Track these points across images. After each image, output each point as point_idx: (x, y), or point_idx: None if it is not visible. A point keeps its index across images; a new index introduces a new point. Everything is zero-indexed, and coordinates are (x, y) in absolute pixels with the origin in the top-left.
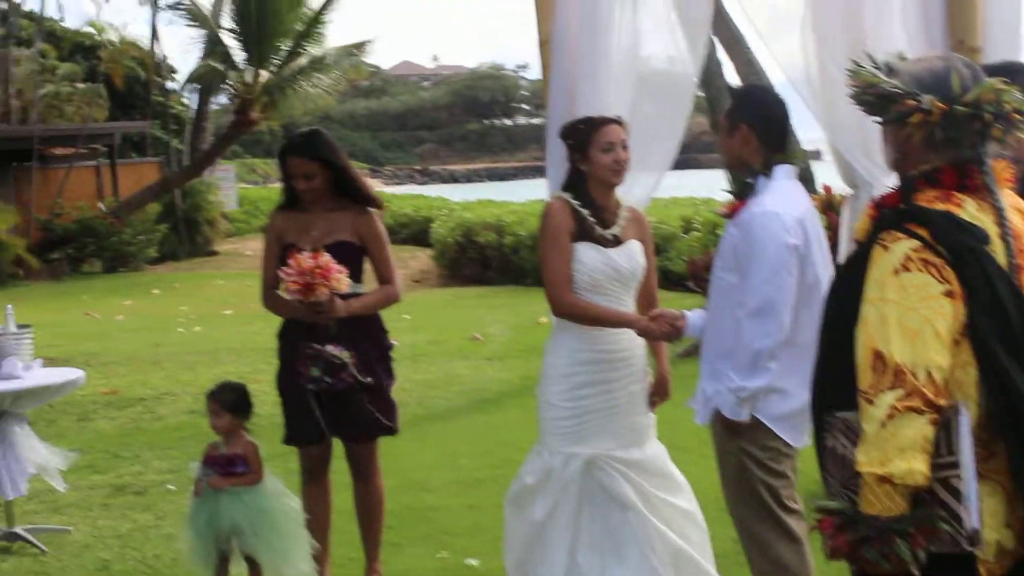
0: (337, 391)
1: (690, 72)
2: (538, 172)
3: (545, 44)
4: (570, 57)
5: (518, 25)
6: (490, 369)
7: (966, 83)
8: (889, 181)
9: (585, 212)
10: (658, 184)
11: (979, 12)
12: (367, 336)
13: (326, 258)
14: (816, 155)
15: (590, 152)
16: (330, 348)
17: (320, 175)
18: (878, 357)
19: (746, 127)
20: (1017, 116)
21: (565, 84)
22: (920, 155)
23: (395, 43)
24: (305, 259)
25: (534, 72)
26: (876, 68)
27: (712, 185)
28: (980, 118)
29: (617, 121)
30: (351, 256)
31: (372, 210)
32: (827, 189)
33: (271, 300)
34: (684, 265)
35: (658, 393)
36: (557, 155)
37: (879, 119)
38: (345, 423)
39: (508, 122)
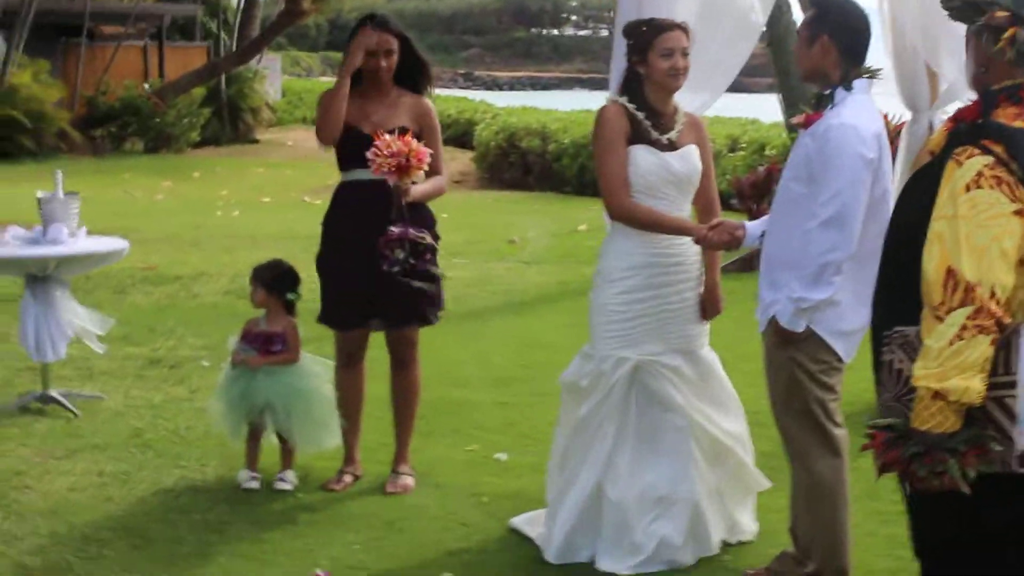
0: (419, 273)
1: (757, 6)
2: (582, 84)
3: None
4: None
5: None
6: (527, 272)
7: None
8: (950, 108)
9: (641, 115)
10: (710, 105)
11: None
12: (423, 225)
13: (415, 142)
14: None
15: (649, 56)
16: (412, 231)
17: (396, 54)
18: (949, 274)
19: (827, 37)
20: None
21: None
22: (1005, 71)
23: None
24: (395, 140)
25: None
26: None
27: (758, 109)
28: None
29: (681, 27)
30: None
31: (428, 99)
32: (883, 116)
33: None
34: (729, 184)
35: (708, 304)
36: (622, 63)
37: (967, 27)
38: (395, 308)
39: (555, 32)
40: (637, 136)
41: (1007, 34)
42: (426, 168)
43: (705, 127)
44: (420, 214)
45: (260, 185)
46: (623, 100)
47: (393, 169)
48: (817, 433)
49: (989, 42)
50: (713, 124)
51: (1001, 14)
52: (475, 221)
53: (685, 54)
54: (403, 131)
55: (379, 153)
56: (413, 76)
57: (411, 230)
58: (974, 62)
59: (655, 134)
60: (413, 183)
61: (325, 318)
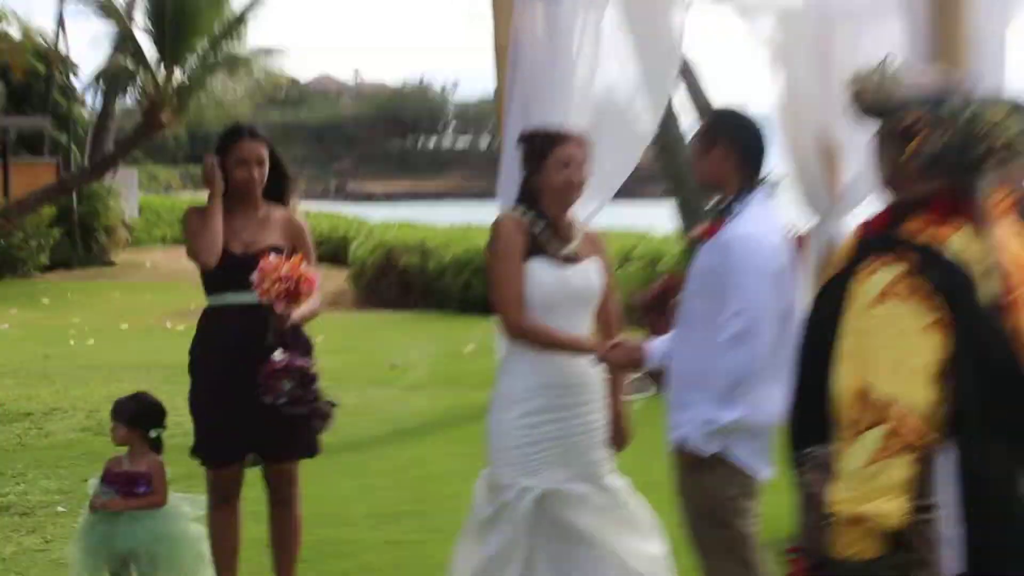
0: (307, 403)
1: (649, 112)
2: (463, 196)
3: (502, 51)
4: (529, 68)
5: (447, 41)
6: (411, 398)
7: (971, 102)
8: (850, 216)
9: (538, 228)
10: (598, 212)
11: (963, 31)
12: (301, 350)
13: (304, 265)
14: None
15: (544, 167)
16: (299, 360)
17: (266, 167)
18: (861, 392)
19: (723, 146)
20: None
21: (522, 95)
22: (917, 175)
23: (314, 55)
24: (280, 263)
25: (464, 91)
26: (878, 75)
27: (650, 217)
28: (987, 141)
29: (578, 138)
30: None
31: (300, 216)
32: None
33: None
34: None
35: (616, 432)
36: (512, 173)
37: (877, 128)
38: (274, 439)
39: (434, 142)
40: (535, 250)
41: (915, 141)
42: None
43: (604, 241)
44: (297, 339)
45: (117, 311)
46: (518, 212)
47: (282, 295)
48: (736, 561)
49: (897, 148)
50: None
51: (911, 117)
52: (353, 344)
53: (582, 166)
54: (263, 253)
55: (266, 277)
56: (279, 188)
57: (296, 358)
58: (886, 165)
59: (554, 247)
60: None
61: (197, 453)
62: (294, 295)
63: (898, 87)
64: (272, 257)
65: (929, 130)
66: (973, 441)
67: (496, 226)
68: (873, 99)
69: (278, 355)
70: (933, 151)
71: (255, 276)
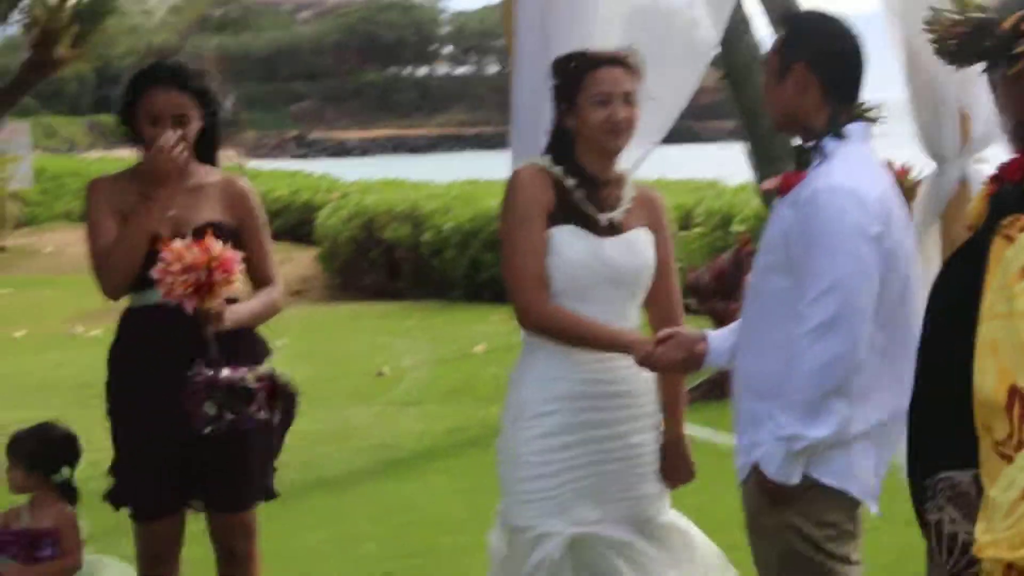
0: (240, 432)
1: (710, 17)
2: (466, 143)
3: None
4: None
5: None
6: (402, 418)
7: None
8: (990, 155)
9: (571, 183)
10: (643, 159)
11: None
12: (249, 359)
13: (218, 245)
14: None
15: (579, 103)
16: (227, 372)
17: (196, 124)
18: (1014, 394)
19: (805, 67)
20: None
21: (536, 9)
22: None
23: None
24: (188, 249)
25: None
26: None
27: (718, 163)
28: None
29: (622, 60)
30: (227, 241)
31: (245, 180)
32: (895, 168)
33: (116, 271)
34: (681, 278)
35: (670, 462)
36: (526, 112)
37: (983, 68)
38: (222, 482)
39: (424, 71)
40: (563, 213)
41: None
42: (237, 282)
43: (664, 205)
44: (244, 344)
45: (8, 313)
46: (546, 162)
47: (190, 290)
48: None
49: (1013, 75)
50: (657, 190)
51: (1012, 20)
52: (326, 348)
53: (629, 100)
54: (200, 232)
55: (168, 269)
56: (210, 144)
57: (225, 371)
58: (1009, 105)
59: (590, 211)
60: (233, 300)
61: (120, 501)
62: (206, 287)
63: (985, 4)
64: (176, 242)
65: None
66: None
67: (512, 180)
68: (961, 31)
69: (202, 371)
70: None
71: (155, 270)
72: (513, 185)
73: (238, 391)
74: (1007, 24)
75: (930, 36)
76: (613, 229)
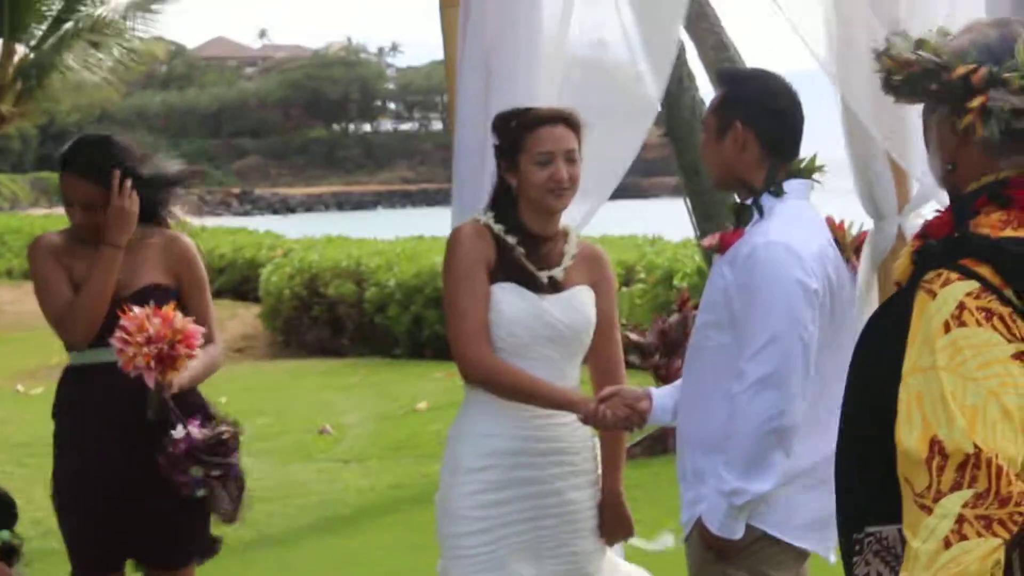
0: (237, 478)
1: (653, 74)
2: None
3: (451, 8)
4: (488, 16)
5: None
6: (346, 474)
7: None
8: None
9: (512, 240)
10: (591, 216)
11: None
12: (196, 412)
13: (179, 317)
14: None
15: (520, 162)
16: (196, 431)
17: (105, 206)
18: (935, 447)
19: (742, 126)
20: None
21: (478, 55)
22: (980, 163)
23: (207, 14)
24: (147, 317)
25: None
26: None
27: (663, 220)
28: None
29: (564, 119)
30: (166, 304)
31: (185, 237)
32: (834, 223)
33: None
34: (623, 332)
35: (609, 519)
36: (467, 169)
37: (923, 113)
38: (160, 537)
39: (367, 128)
40: (504, 270)
41: (975, 101)
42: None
43: (608, 261)
44: (186, 402)
45: None
46: (488, 219)
47: (151, 363)
48: None
49: (950, 121)
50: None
51: (962, 71)
52: (269, 405)
53: (571, 159)
54: (141, 295)
55: (129, 339)
56: (152, 205)
57: (196, 433)
58: (938, 157)
59: (531, 269)
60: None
61: (73, 568)
62: (169, 359)
63: (941, 47)
64: (136, 310)
65: (990, 90)
66: None
67: (454, 235)
68: (912, 69)
69: (176, 434)
70: (1000, 118)
71: (115, 339)
72: (455, 240)
73: (215, 445)
74: (956, 73)
75: (877, 64)
76: (554, 286)
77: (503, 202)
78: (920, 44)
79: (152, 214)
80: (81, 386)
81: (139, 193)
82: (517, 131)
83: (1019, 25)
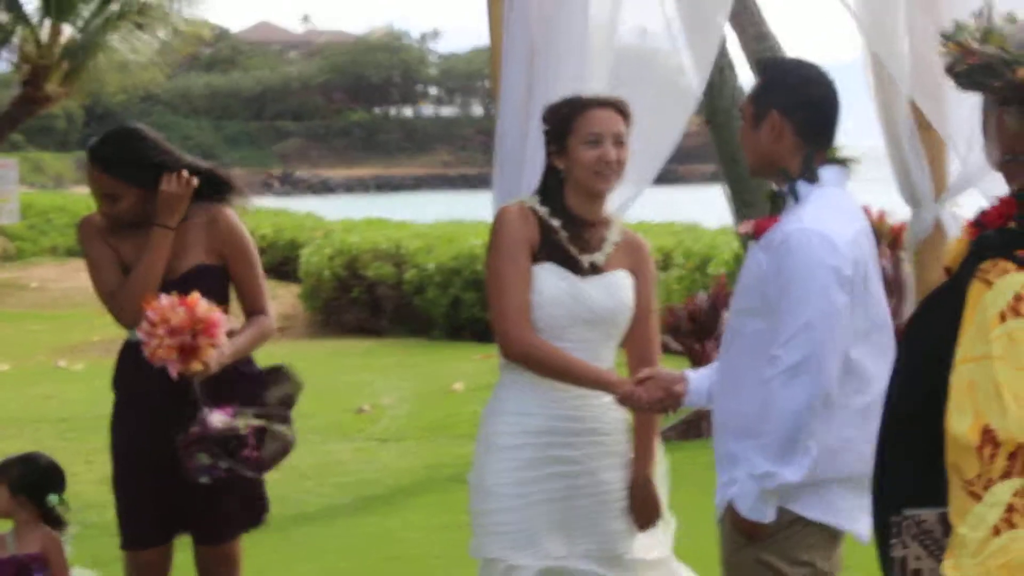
0: (251, 475)
1: (695, 64)
2: (450, 184)
3: None
4: (533, 6)
5: None
6: (382, 454)
7: None
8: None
9: (556, 223)
10: (631, 202)
11: None
12: (248, 390)
13: (203, 304)
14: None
15: (569, 143)
16: (215, 419)
17: (133, 199)
18: (987, 435)
19: (779, 115)
20: None
21: (523, 45)
22: None
23: None
24: (172, 307)
25: (448, 42)
26: (983, 26)
27: (699, 206)
28: None
29: (614, 104)
30: (213, 283)
31: (227, 207)
32: (870, 213)
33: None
34: (661, 316)
35: (638, 502)
36: (509, 154)
37: (983, 100)
38: (207, 514)
39: (409, 112)
40: (546, 251)
41: None
42: (224, 337)
43: (649, 250)
44: (239, 379)
45: None
46: (533, 201)
47: (174, 355)
48: None
49: (1015, 117)
50: (638, 233)
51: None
52: (308, 384)
53: (620, 142)
54: (187, 278)
55: (153, 332)
56: (215, 189)
57: (217, 421)
58: (997, 146)
59: (573, 252)
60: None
61: (122, 538)
62: (191, 351)
63: (1007, 40)
64: (163, 299)
65: None
66: None
67: (500, 216)
68: (974, 61)
69: (207, 418)
70: None
71: (140, 331)
72: (500, 221)
73: (229, 439)
74: (1020, 75)
75: (942, 50)
76: (594, 270)
77: (550, 186)
78: (986, 35)
79: (214, 192)
80: (136, 361)
81: (199, 175)
82: (568, 113)
83: None
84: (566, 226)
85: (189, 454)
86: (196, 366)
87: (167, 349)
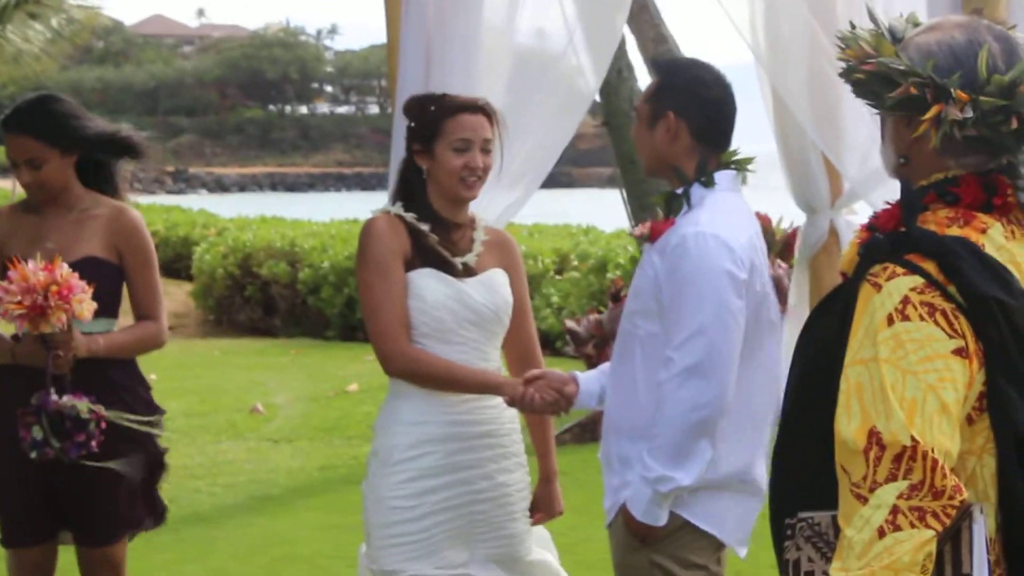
0: (71, 460)
1: (592, 65)
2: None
3: None
4: (429, 18)
5: None
6: (275, 454)
7: (997, 63)
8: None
9: (424, 228)
10: (521, 205)
11: None
12: (121, 393)
13: (66, 270)
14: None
15: (436, 147)
16: (57, 396)
17: (56, 163)
18: (872, 437)
19: (674, 115)
20: None
21: (419, 42)
22: (932, 161)
23: None
24: (35, 271)
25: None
26: (878, 34)
27: (596, 209)
28: (1018, 113)
29: (483, 108)
30: (103, 279)
31: (133, 210)
32: (763, 219)
33: None
34: (556, 320)
35: (541, 503)
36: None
37: (875, 108)
38: (89, 513)
39: (304, 110)
40: (421, 257)
41: (929, 113)
42: (86, 310)
43: (517, 246)
44: (116, 378)
45: None
46: (398, 209)
47: (22, 312)
48: None
49: (908, 125)
50: (531, 236)
51: (918, 85)
52: (199, 383)
53: (486, 148)
54: (85, 271)
55: (9, 291)
56: (102, 178)
57: (55, 396)
58: (892, 150)
59: (445, 254)
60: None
61: (2, 536)
62: (40, 310)
63: (901, 47)
64: (29, 264)
65: (942, 103)
66: (1019, 500)
67: (367, 229)
68: (865, 72)
69: (48, 393)
70: (954, 125)
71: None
72: (368, 234)
73: (66, 419)
74: (912, 87)
75: (839, 54)
76: (468, 272)
77: (413, 188)
78: (879, 44)
79: (102, 180)
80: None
81: (84, 154)
82: (436, 116)
83: (987, 31)
84: (435, 230)
85: (25, 424)
86: (44, 327)
87: (15, 306)
